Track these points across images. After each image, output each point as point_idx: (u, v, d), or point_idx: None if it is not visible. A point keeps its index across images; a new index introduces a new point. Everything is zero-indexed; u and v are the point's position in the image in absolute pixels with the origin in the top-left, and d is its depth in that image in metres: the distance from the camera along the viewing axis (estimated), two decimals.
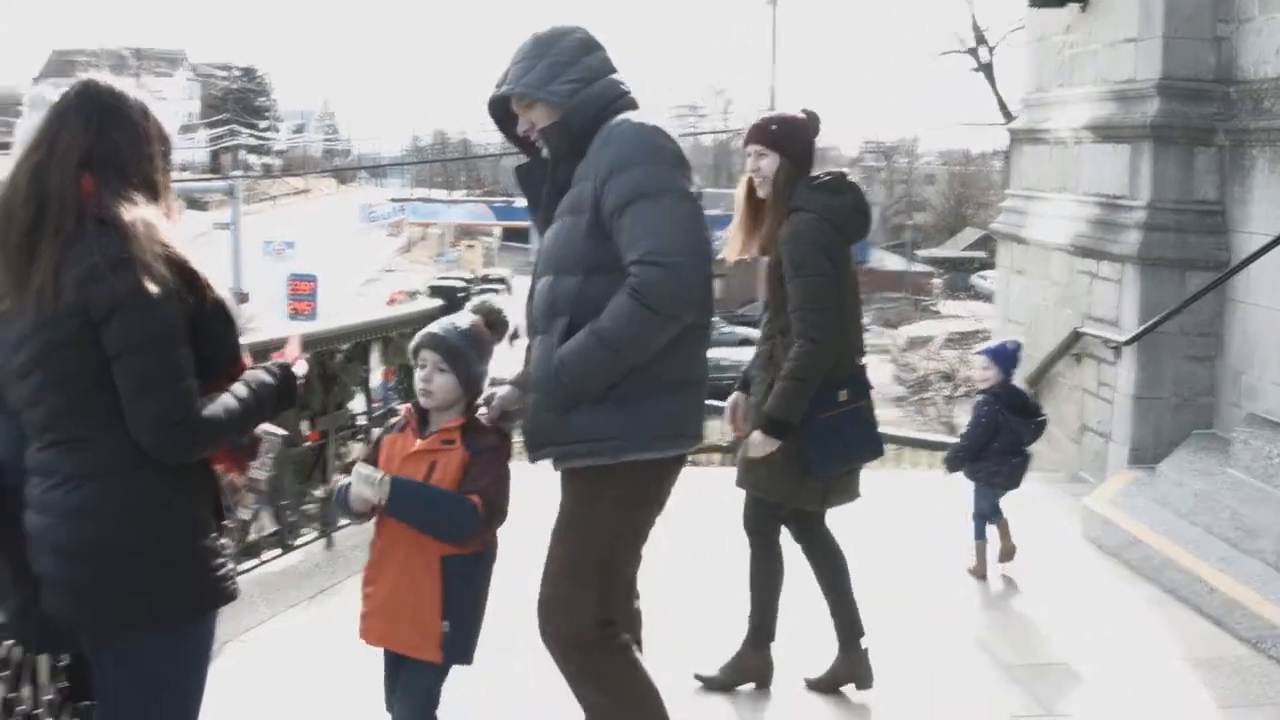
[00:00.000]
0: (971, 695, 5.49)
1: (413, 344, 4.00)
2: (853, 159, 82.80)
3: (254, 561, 6.27)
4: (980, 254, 60.78)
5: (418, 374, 3.94)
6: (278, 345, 3.58)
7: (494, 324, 4.07)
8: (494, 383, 4.07)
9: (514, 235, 70.80)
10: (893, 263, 67.64)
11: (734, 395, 5.42)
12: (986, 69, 43.89)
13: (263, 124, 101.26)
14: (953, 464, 7.34)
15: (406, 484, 3.78)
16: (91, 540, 3.07)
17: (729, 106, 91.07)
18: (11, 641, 3.73)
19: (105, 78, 3.21)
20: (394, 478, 3.76)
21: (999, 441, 7.18)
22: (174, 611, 3.16)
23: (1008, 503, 7.33)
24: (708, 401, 4.02)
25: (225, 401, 3.15)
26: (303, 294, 38.62)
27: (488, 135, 71.52)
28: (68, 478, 3.08)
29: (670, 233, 3.59)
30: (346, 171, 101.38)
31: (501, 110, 4.02)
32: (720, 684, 5.40)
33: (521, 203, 4.65)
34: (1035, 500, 8.58)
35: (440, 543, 3.79)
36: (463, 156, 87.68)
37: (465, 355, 3.91)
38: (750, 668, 5.43)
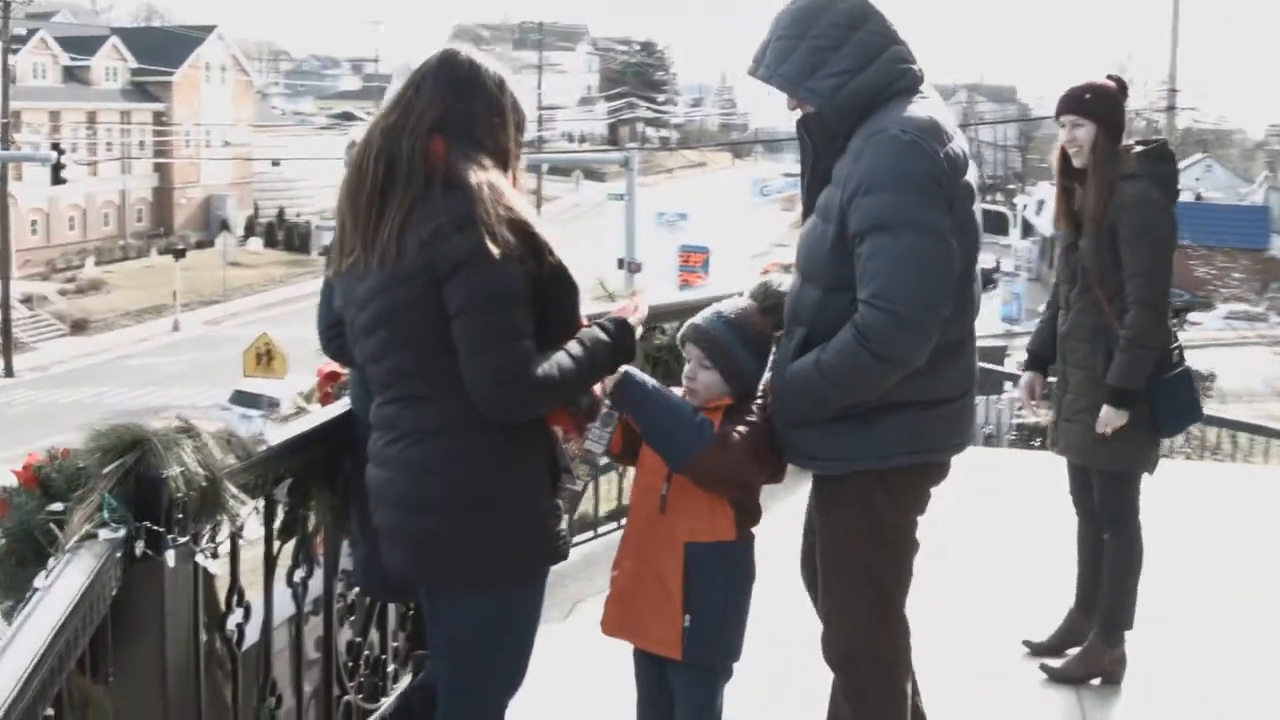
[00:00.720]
0: None
1: (678, 334, 3.68)
2: (1258, 142, 78.67)
3: (612, 526, 6.36)
4: None
5: (686, 367, 3.59)
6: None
7: (771, 310, 3.62)
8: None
9: None
10: None
11: (1028, 375, 5.42)
12: None
13: (661, 97, 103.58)
14: None
15: (641, 377, 3.42)
16: (427, 496, 3.15)
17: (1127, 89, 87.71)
18: (357, 589, 3.87)
19: (466, 49, 3.29)
20: (629, 369, 3.39)
21: None
22: (504, 569, 3.20)
23: None
24: None
25: (559, 360, 3.14)
26: (694, 265, 39.28)
27: None
28: (407, 433, 3.16)
29: (904, 275, 3.26)
30: (742, 146, 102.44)
31: None
32: (1067, 677, 5.09)
33: None
34: None
35: (684, 528, 3.47)
36: None
37: (730, 349, 3.51)
38: (1101, 662, 5.09)
